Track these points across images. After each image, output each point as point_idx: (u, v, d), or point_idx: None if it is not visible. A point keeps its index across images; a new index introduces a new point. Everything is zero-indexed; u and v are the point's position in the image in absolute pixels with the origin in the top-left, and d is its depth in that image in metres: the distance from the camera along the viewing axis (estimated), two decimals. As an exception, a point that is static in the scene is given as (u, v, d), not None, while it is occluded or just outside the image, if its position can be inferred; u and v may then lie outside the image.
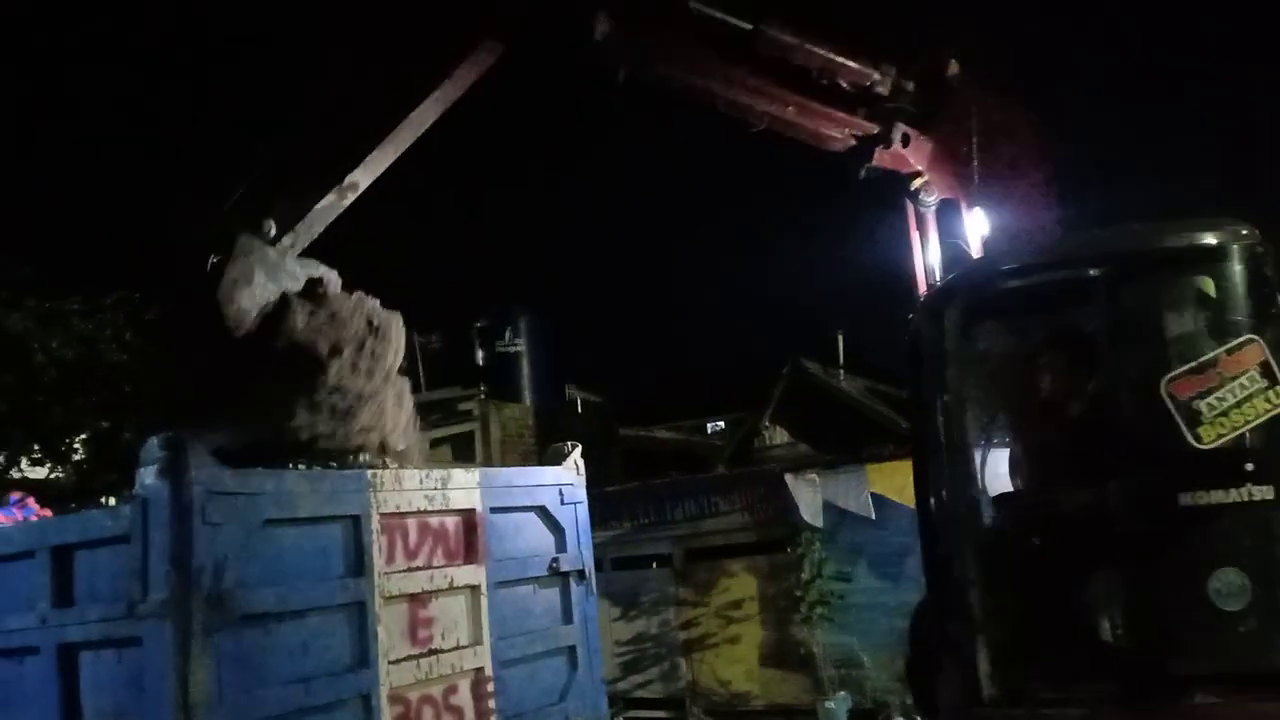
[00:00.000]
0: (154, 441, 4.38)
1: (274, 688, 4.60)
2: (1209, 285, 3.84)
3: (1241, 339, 3.71)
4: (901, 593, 9.47)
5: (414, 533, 5.73)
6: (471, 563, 6.04)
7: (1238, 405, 3.65)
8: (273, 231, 5.02)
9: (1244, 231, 3.89)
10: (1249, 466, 3.62)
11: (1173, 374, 3.72)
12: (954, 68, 5.12)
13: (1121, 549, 3.74)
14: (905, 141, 4.99)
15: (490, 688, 5.73)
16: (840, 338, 15.75)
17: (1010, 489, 4.56)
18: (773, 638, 10.46)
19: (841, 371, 15.49)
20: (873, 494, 9.40)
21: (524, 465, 9.90)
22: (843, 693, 9.47)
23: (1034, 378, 4.46)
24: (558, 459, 7.65)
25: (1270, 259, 3.83)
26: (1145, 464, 3.73)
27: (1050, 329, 4.61)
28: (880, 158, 5.05)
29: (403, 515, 5.64)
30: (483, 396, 14.34)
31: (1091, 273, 3.97)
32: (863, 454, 9.92)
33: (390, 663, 5.18)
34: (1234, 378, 3.66)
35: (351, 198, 5.19)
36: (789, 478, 10.04)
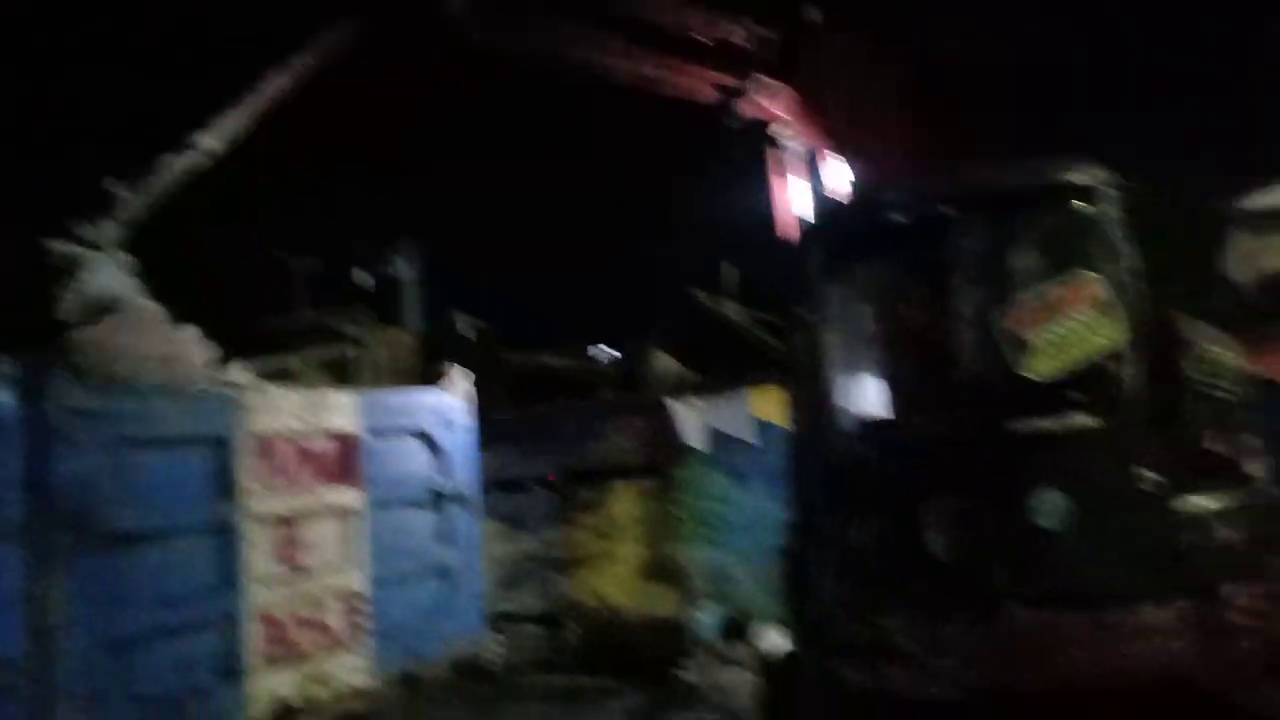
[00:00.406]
0: (7, 361, 4.20)
1: (135, 609, 4.56)
2: (1052, 222, 4.03)
3: (1078, 275, 3.88)
4: (777, 512, 9.85)
5: (286, 454, 5.68)
6: (348, 485, 6.04)
7: (1070, 339, 3.81)
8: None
9: (1083, 171, 4.04)
10: (1077, 397, 3.83)
11: (1013, 308, 3.89)
12: (813, 16, 5.20)
13: (958, 473, 3.94)
14: (765, 91, 5.09)
15: (364, 607, 5.80)
16: (729, 267, 15.95)
17: (869, 416, 4.81)
18: (650, 555, 10.76)
19: (729, 300, 15.71)
20: (755, 418, 9.67)
21: (407, 389, 9.83)
22: (714, 605, 9.88)
23: (892, 311, 4.66)
24: (441, 383, 7.64)
25: (1115, 200, 3.98)
26: (984, 392, 3.91)
27: (908, 264, 4.80)
28: (743, 108, 5.15)
29: (275, 437, 5.58)
30: (363, 320, 14.03)
31: (944, 210, 4.11)
32: (746, 379, 10.16)
33: (258, 584, 5.18)
34: (1069, 313, 3.82)
35: (208, 159, 5.19)
36: (674, 402, 10.24)
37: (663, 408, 10.43)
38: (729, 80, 5.13)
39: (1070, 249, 3.96)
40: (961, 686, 3.80)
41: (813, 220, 4.96)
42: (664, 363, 14.86)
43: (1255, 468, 4.16)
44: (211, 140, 5.47)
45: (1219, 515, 3.86)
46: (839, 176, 5.15)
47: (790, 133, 5.20)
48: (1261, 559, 3.88)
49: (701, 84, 5.20)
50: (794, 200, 5.23)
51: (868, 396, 4.84)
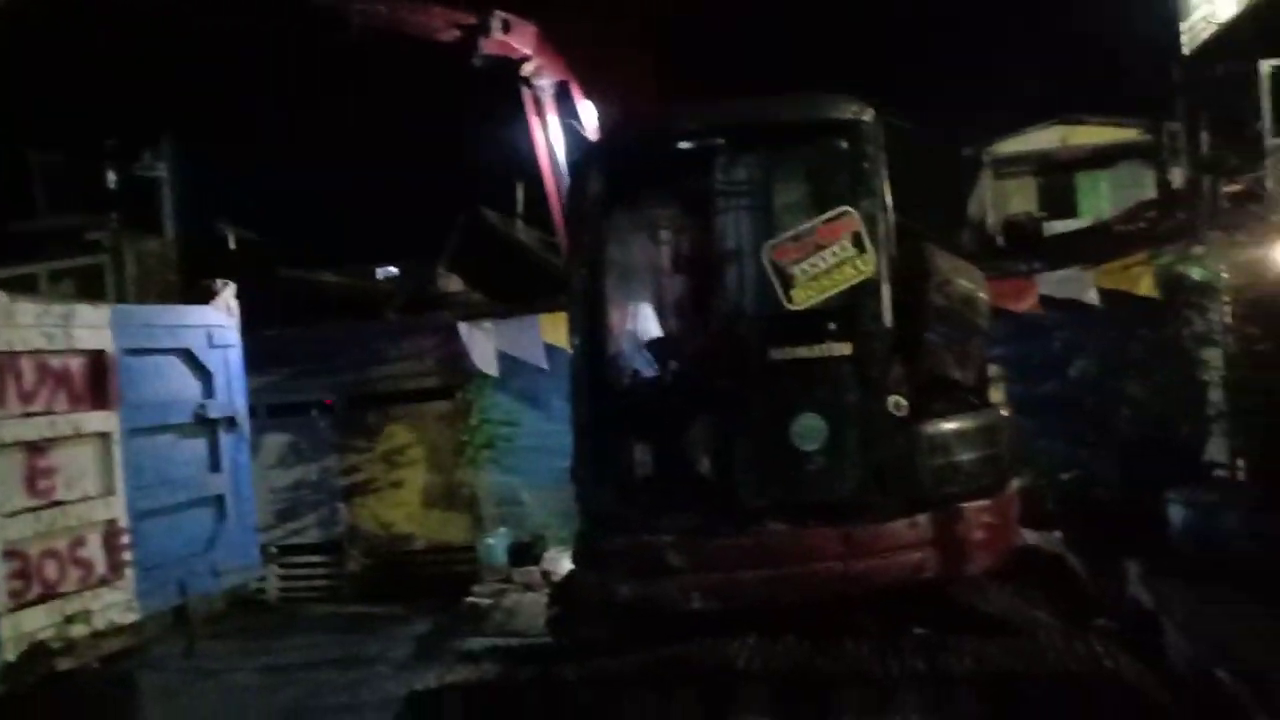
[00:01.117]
0: None
1: None
2: (814, 157, 4.13)
3: (838, 210, 4.00)
4: (565, 436, 9.89)
5: (30, 374, 5.10)
6: (101, 408, 5.50)
7: (828, 271, 3.96)
8: None
9: (848, 107, 4.14)
10: (833, 326, 4.00)
11: (775, 240, 4.00)
12: None
13: (721, 397, 4.08)
14: (506, 28, 4.94)
15: (125, 539, 5.33)
16: (520, 187, 15.61)
17: (642, 342, 4.86)
18: (437, 481, 10.58)
19: (520, 221, 15.43)
20: (546, 343, 9.60)
21: (166, 305, 9.02)
22: (503, 529, 9.86)
23: (659, 239, 4.72)
24: (206, 298, 7.03)
25: (873, 135, 4.11)
26: (747, 321, 4.05)
27: (676, 194, 4.82)
28: (487, 46, 4.98)
29: (16, 354, 4.99)
30: (115, 226, 12.68)
31: (713, 141, 4.14)
32: (537, 304, 10.05)
33: (3, 516, 4.66)
34: (828, 246, 3.96)
35: None
36: (463, 326, 9.98)
37: (451, 331, 10.16)
38: (466, 19, 4.95)
39: (830, 183, 4.09)
40: (723, 599, 3.99)
41: (591, 145, 4.86)
42: (453, 284, 14.47)
43: (993, 393, 4.56)
44: None
45: (958, 436, 4.17)
46: (590, 114, 5.14)
47: (540, 71, 5.09)
48: (996, 477, 4.25)
49: (440, 22, 4.99)
50: (550, 137, 5.15)
51: (640, 323, 4.94)
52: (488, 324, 10.03)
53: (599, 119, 5.22)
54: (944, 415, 4.21)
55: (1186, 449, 7.85)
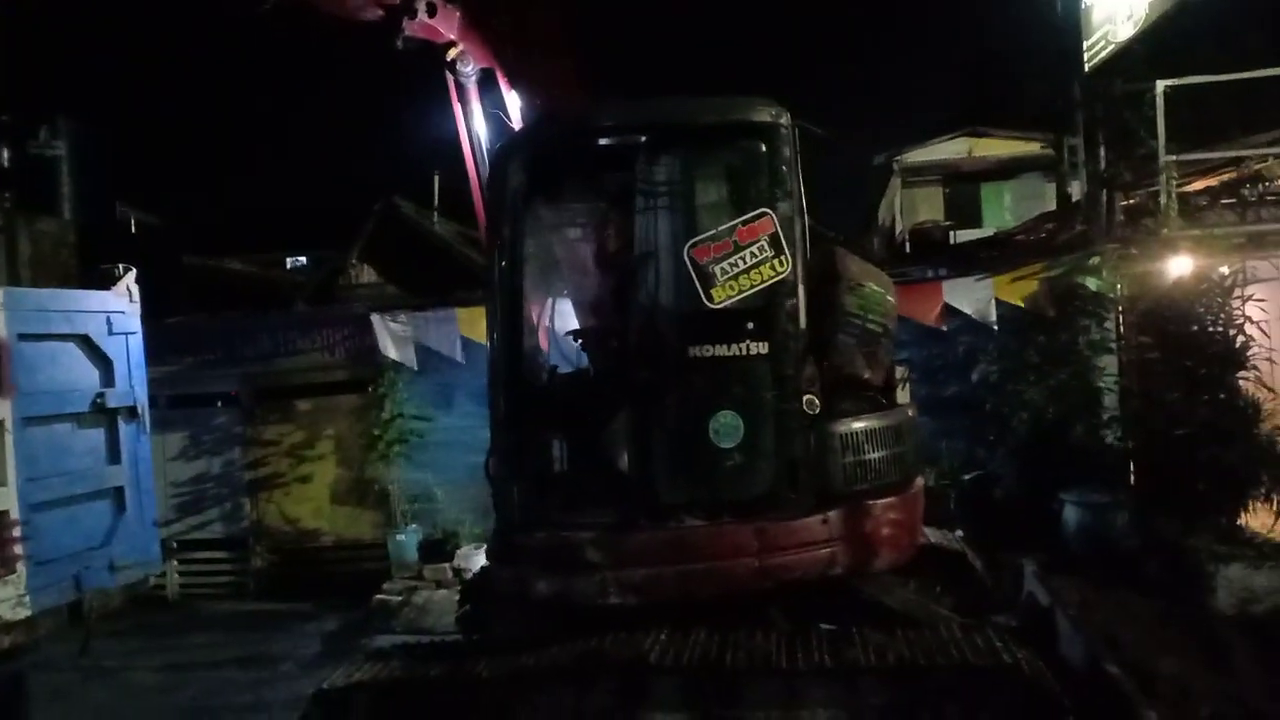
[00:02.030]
0: None
1: None
2: (735, 157, 4.17)
3: (757, 211, 4.07)
4: (481, 431, 9.80)
5: (-89, 358, 4.86)
6: (-9, 395, 5.26)
7: (747, 271, 4.03)
8: None
9: (768, 110, 4.20)
10: (750, 325, 4.06)
11: (695, 240, 4.05)
12: None
13: (639, 394, 4.10)
14: (431, 11, 4.89)
15: (17, 532, 5.12)
16: (436, 178, 15.39)
17: (561, 336, 4.90)
18: (347, 476, 10.40)
19: (436, 214, 15.21)
20: (462, 337, 9.51)
21: (63, 289, 8.65)
22: (414, 525, 9.73)
23: (579, 235, 4.73)
24: (106, 283, 6.78)
25: (790, 138, 4.17)
26: (666, 318, 4.07)
27: (596, 190, 4.85)
28: (410, 28, 4.91)
29: (-106, 336, 4.74)
30: (8, 205, 12.08)
31: (634, 139, 4.16)
32: (453, 297, 9.94)
33: (-123, 509, 4.42)
34: (746, 246, 4.03)
35: None
36: (375, 318, 9.81)
37: (363, 322, 9.98)
38: None
39: (750, 184, 4.14)
40: (640, 594, 4.01)
41: (512, 137, 4.82)
42: (365, 275, 14.20)
43: (898, 393, 4.72)
44: None
45: (868, 435, 4.27)
46: (515, 103, 5.11)
47: (464, 57, 5.04)
48: (903, 474, 4.38)
49: (365, 2, 4.89)
50: (473, 126, 5.10)
51: (559, 318, 4.97)
52: (403, 316, 9.89)
53: (523, 110, 5.17)
54: (854, 414, 4.31)
55: (1080, 451, 8.18)
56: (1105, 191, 8.81)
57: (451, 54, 5.05)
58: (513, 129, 5.07)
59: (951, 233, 14.64)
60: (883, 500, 4.28)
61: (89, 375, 6.26)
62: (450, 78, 5.10)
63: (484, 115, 5.15)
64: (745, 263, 4.03)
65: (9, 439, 5.27)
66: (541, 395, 4.44)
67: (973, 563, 5.16)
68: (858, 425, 4.28)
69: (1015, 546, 7.05)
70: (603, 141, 4.35)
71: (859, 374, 4.42)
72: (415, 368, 9.81)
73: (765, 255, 4.05)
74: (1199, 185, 9.06)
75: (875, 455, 4.29)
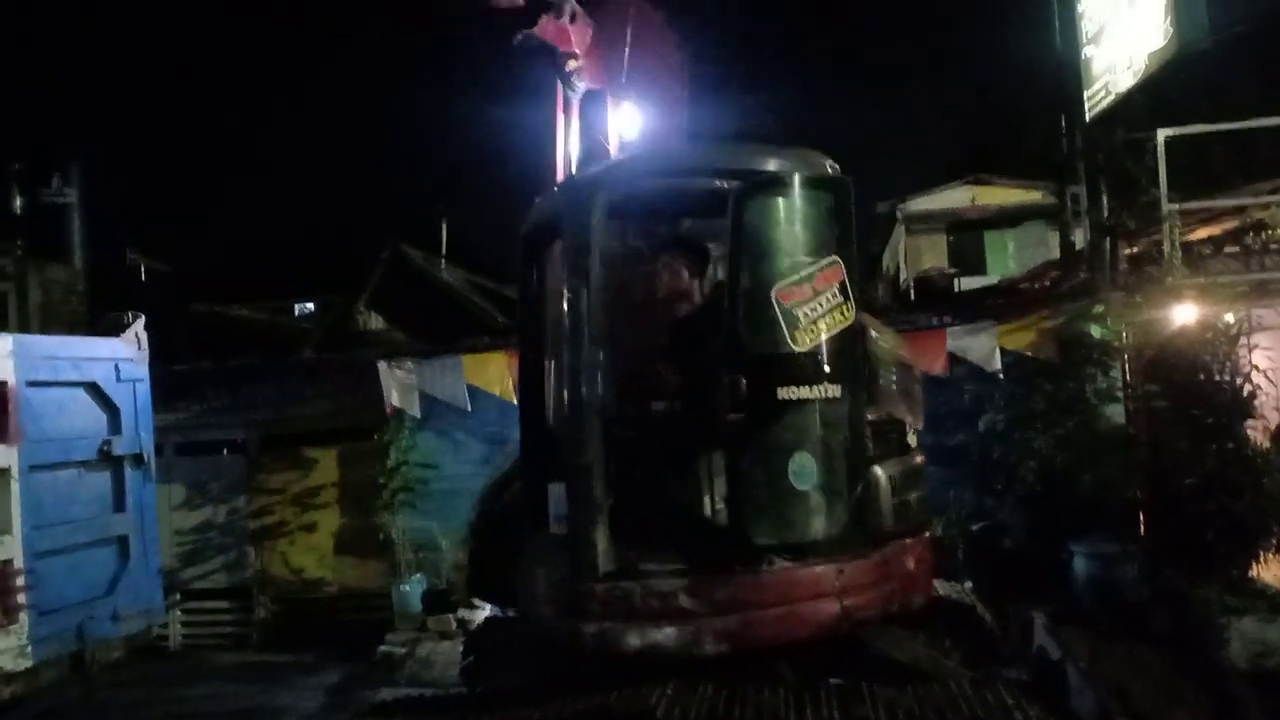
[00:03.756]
0: None
1: None
2: (815, 206, 4.28)
3: (830, 259, 4.21)
4: (486, 480, 9.79)
5: (-80, 406, 4.87)
6: (-1, 442, 5.27)
7: (823, 316, 4.14)
8: None
9: (833, 165, 4.42)
10: (826, 369, 4.14)
11: (781, 284, 4.13)
12: None
13: (731, 435, 4.07)
14: (573, 17, 4.88)
15: (20, 581, 5.09)
16: (444, 225, 15.50)
17: (630, 383, 4.76)
18: (351, 524, 10.34)
19: (443, 261, 15.30)
20: (468, 385, 9.51)
21: (72, 336, 8.71)
22: (418, 575, 9.64)
23: (655, 277, 4.73)
24: (115, 330, 6.82)
25: (850, 191, 4.36)
26: (756, 361, 4.10)
27: (670, 232, 4.85)
28: (544, 27, 4.85)
29: (-95, 385, 4.76)
30: (19, 253, 12.20)
31: (725, 184, 4.25)
32: (459, 344, 9.96)
33: (-118, 558, 4.41)
34: (822, 292, 4.15)
35: None
36: (382, 365, 9.82)
37: (369, 369, 9.99)
38: None
39: (824, 233, 4.27)
40: (734, 642, 3.92)
41: (594, 172, 4.74)
42: (373, 322, 14.25)
43: (911, 438, 4.75)
44: None
45: (905, 477, 4.38)
46: (617, 129, 5.09)
47: (580, 73, 4.99)
48: (926, 515, 4.52)
49: None
50: (569, 143, 5.03)
51: (636, 358, 4.78)
52: (409, 363, 9.90)
53: (620, 138, 5.17)
54: (893, 457, 4.44)
55: (1089, 501, 8.13)
56: (1109, 240, 8.85)
57: (571, 65, 4.99)
58: (608, 152, 5.05)
59: (956, 280, 14.70)
60: (918, 540, 4.42)
61: (96, 422, 6.28)
62: (560, 89, 5.05)
63: (579, 135, 5.09)
64: (821, 308, 4.14)
65: (15, 486, 5.27)
66: (624, 440, 4.29)
67: (982, 615, 5.11)
68: (899, 468, 4.39)
69: (1024, 597, 6.97)
70: (690, 183, 4.41)
71: (900, 418, 4.52)
72: (420, 415, 9.80)
73: (836, 301, 4.17)
74: (1202, 234, 9.10)
75: (912, 496, 4.42)
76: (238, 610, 10.38)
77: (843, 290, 4.18)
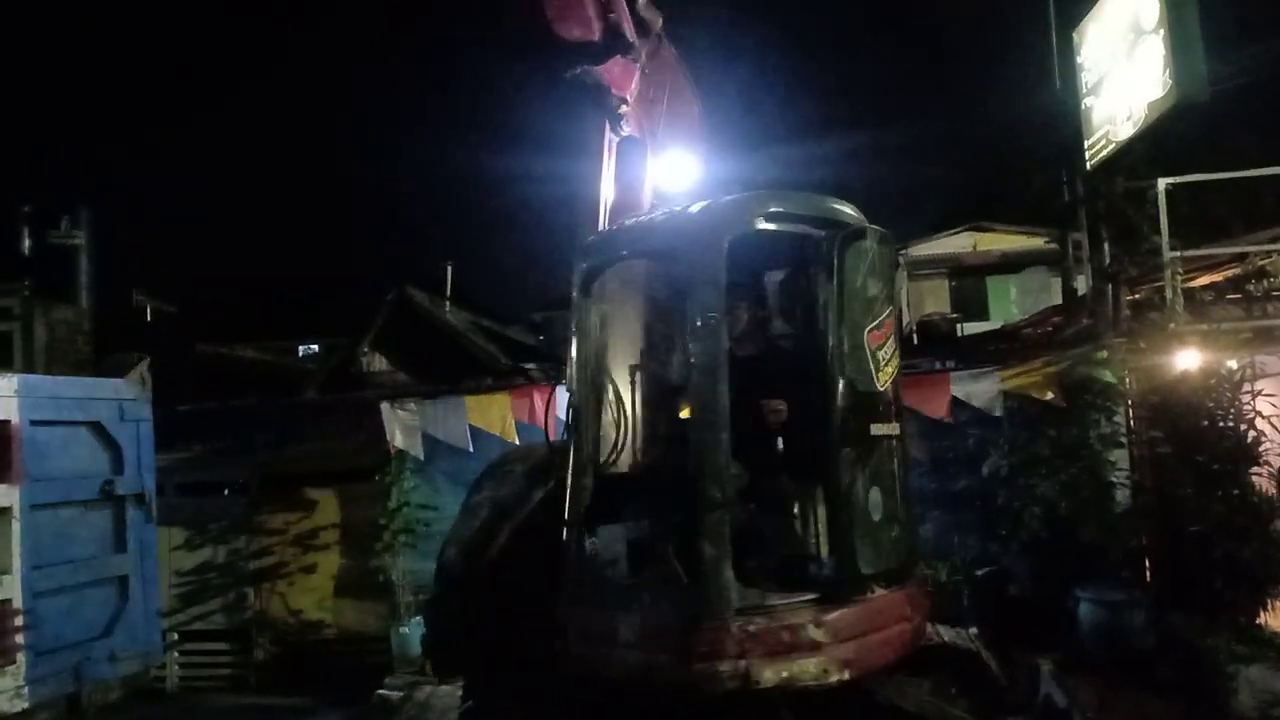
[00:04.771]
0: None
1: None
2: (882, 256, 4.50)
3: (891, 307, 4.54)
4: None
5: (-76, 443, 4.88)
6: (2, 481, 5.27)
7: (890, 359, 4.46)
8: None
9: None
10: (894, 407, 4.49)
11: (869, 326, 4.37)
12: (659, 23, 5.16)
13: (838, 470, 4.20)
14: (637, 59, 4.88)
15: (19, 621, 5.05)
16: (449, 268, 15.61)
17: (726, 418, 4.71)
18: (351, 566, 10.27)
19: (448, 303, 15.37)
20: (470, 426, 9.50)
21: (77, 376, 8.74)
22: (418, 618, 9.55)
23: (754, 317, 4.83)
24: (120, 371, 6.85)
25: (892, 242, 4.69)
26: (852, 399, 4.25)
27: (744, 279, 4.83)
28: (610, 66, 4.75)
29: (-90, 422, 4.77)
30: (26, 293, 12.27)
31: (809, 230, 4.44)
32: (463, 386, 9.98)
33: (-121, 595, 4.38)
34: (889, 337, 4.47)
35: None
36: (385, 406, 9.82)
37: (372, 410, 9.99)
38: (626, 24, 4.68)
39: (889, 282, 4.55)
40: (850, 669, 3.94)
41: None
42: (377, 364, 14.29)
43: None
44: None
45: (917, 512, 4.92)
46: (654, 177, 5.10)
47: (627, 119, 4.93)
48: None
49: (595, 13, 4.64)
50: (606, 186, 4.96)
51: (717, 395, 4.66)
52: (412, 404, 9.90)
53: (651, 191, 5.19)
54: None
55: (1094, 547, 8.07)
56: (1111, 286, 8.89)
57: (623, 109, 4.95)
58: (640, 200, 5.08)
59: (959, 325, 14.73)
60: (925, 571, 4.94)
61: (99, 462, 6.27)
62: (608, 130, 5.01)
63: (614, 180, 5.06)
64: (889, 351, 4.44)
65: (16, 526, 5.25)
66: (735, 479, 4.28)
67: (987, 662, 5.08)
68: (916, 504, 4.87)
69: (1030, 644, 6.90)
70: (794, 229, 4.47)
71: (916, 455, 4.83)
72: (422, 457, 9.77)
73: (895, 346, 4.51)
74: (1204, 280, 9.13)
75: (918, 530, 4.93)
76: (236, 652, 10.28)
77: (897, 336, 4.51)
